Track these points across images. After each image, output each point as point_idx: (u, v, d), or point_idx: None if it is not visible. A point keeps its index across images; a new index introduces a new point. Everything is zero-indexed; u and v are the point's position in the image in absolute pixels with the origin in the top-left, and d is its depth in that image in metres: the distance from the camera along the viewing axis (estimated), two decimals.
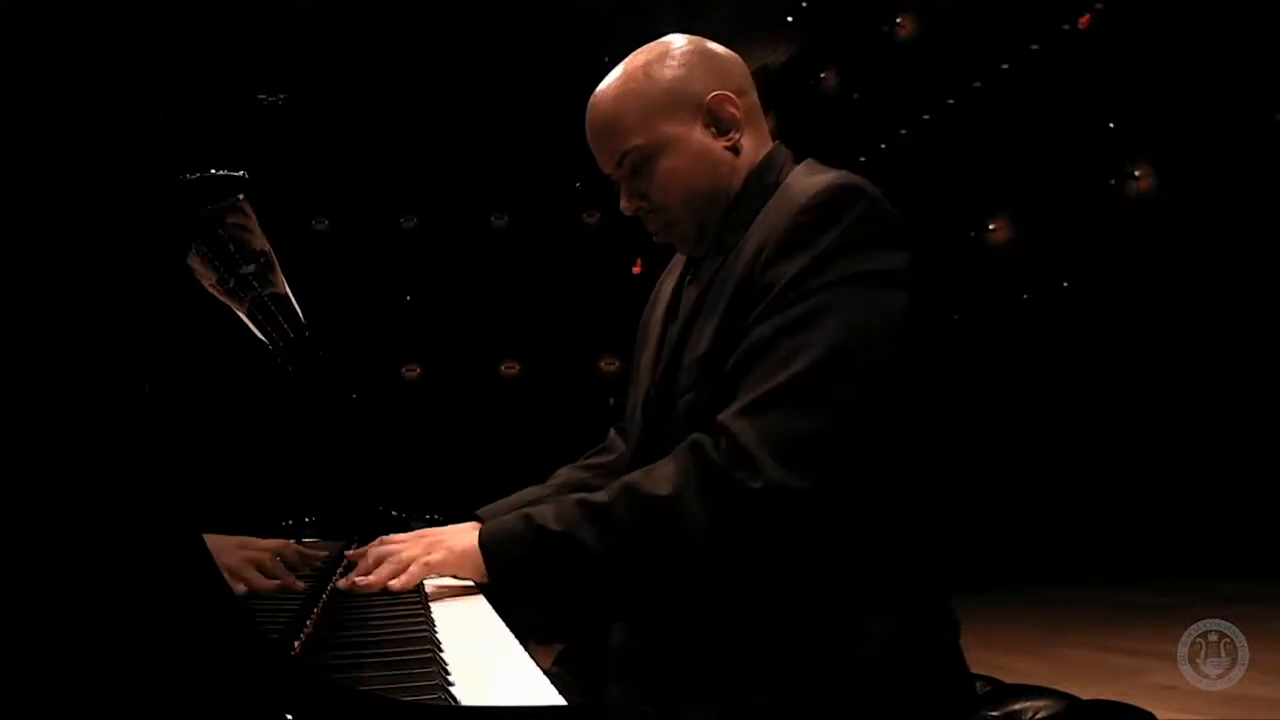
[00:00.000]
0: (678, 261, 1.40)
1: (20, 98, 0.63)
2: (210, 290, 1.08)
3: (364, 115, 7.30)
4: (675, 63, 1.23)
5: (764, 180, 1.23)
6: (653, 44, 1.27)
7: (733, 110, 1.23)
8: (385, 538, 1.27)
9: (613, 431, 1.58)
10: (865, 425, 1.06)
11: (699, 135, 1.23)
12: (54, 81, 0.65)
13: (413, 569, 1.14)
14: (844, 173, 1.16)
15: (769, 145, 1.28)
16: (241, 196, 1.04)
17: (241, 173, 0.96)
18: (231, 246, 1.09)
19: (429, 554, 1.15)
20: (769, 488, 1.02)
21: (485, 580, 1.14)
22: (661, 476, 1.09)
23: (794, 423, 1.04)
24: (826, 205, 1.11)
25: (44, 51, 0.66)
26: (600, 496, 1.12)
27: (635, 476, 1.12)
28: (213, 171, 0.92)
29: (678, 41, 1.26)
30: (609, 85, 1.25)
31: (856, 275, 1.08)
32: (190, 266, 0.96)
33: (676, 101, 1.22)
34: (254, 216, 1.13)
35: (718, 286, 1.19)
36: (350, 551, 1.44)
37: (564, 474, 1.54)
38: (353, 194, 7.66)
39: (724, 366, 1.12)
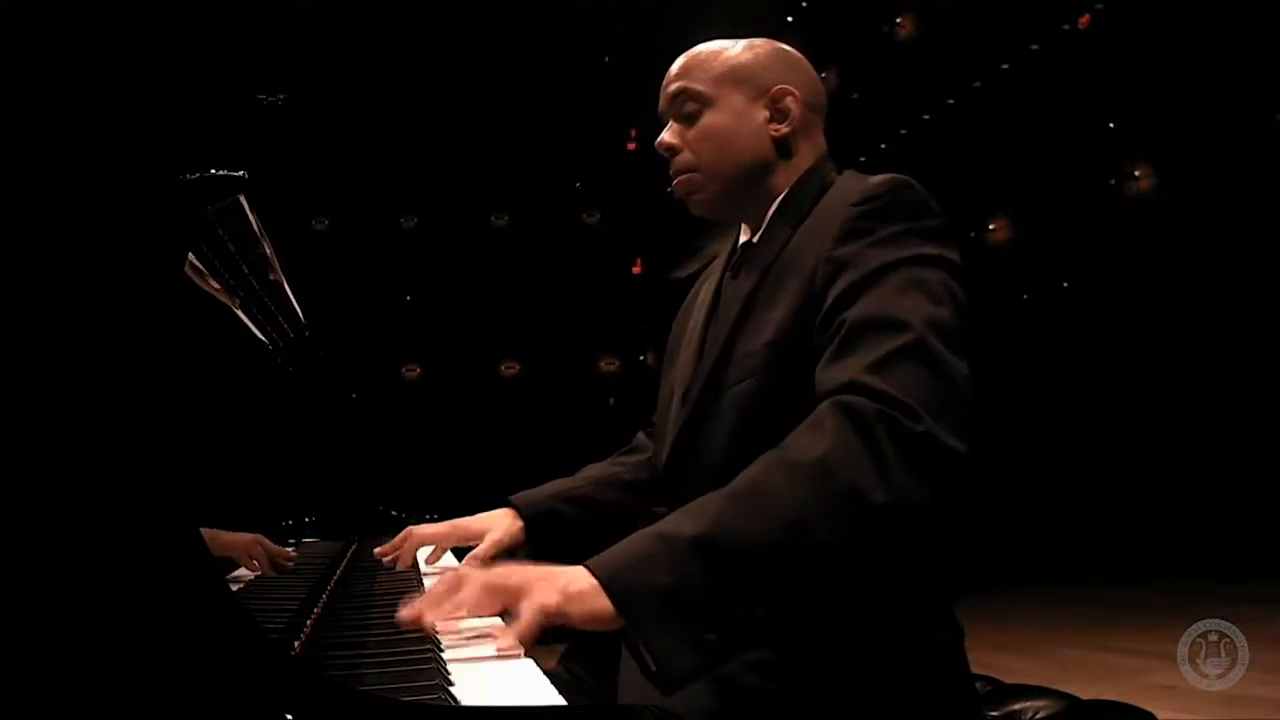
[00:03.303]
0: (713, 269, 1.43)
1: (20, 98, 0.63)
2: (210, 290, 1.08)
3: (364, 115, 7.30)
4: (766, 51, 1.33)
5: (811, 184, 1.27)
6: (758, 38, 1.36)
7: (791, 105, 1.29)
8: (406, 537, 1.21)
9: (641, 434, 1.58)
10: (972, 400, 1.04)
11: (754, 113, 1.29)
12: (54, 81, 0.65)
13: (530, 618, 0.87)
14: (895, 174, 1.20)
15: (820, 158, 1.32)
16: (241, 196, 1.04)
17: (241, 173, 0.96)
18: (231, 246, 1.09)
19: (539, 594, 0.89)
20: (931, 435, 0.96)
21: (607, 626, 0.89)
22: (809, 442, 0.97)
23: (930, 382, 1.00)
24: (887, 196, 1.15)
25: (44, 51, 0.66)
26: (743, 480, 0.97)
27: (773, 454, 0.98)
28: (213, 171, 0.92)
29: (775, 43, 1.35)
30: (705, 44, 1.35)
31: (929, 258, 1.10)
32: (190, 266, 0.96)
33: (750, 78, 1.30)
34: (254, 216, 1.13)
35: (773, 279, 1.21)
36: (378, 549, 1.42)
37: (594, 468, 1.52)
38: (353, 194, 7.66)
39: (795, 353, 1.12)
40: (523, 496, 1.41)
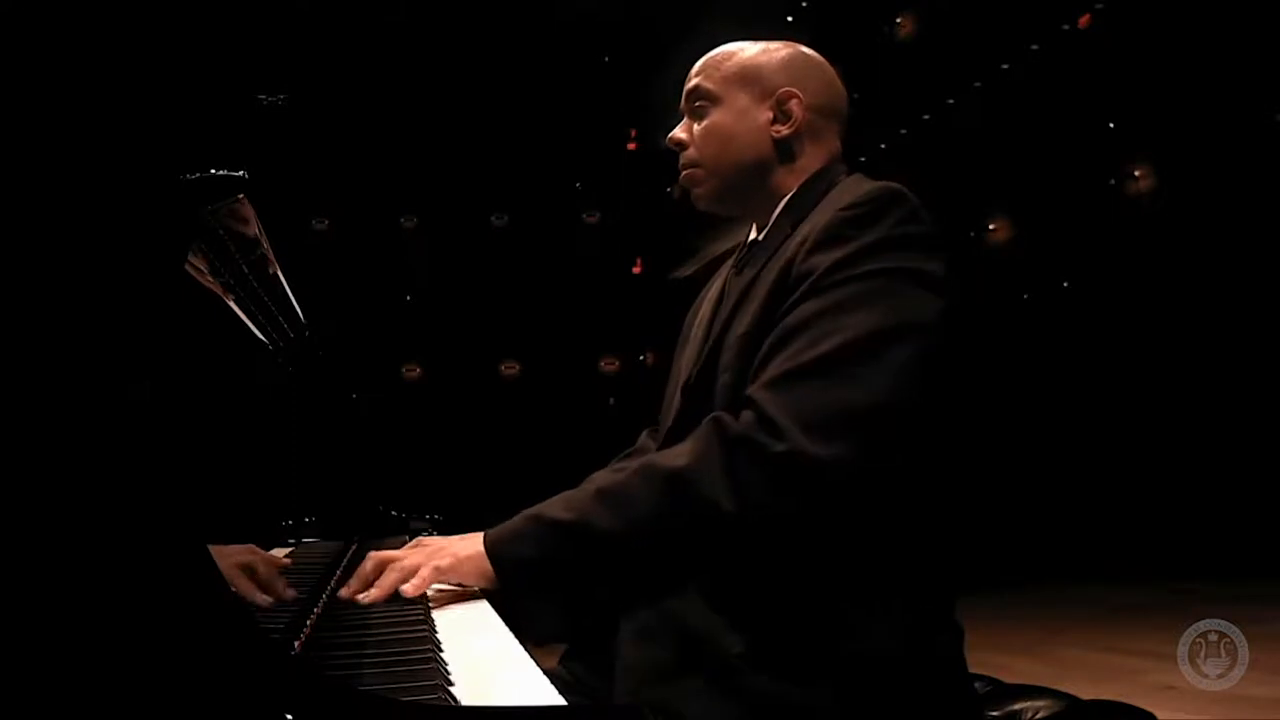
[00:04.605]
0: (726, 266, 1.45)
1: (20, 97, 0.63)
2: (210, 290, 1.08)
3: (364, 115, 7.30)
4: (779, 55, 1.35)
5: (817, 186, 1.29)
6: (781, 41, 1.39)
7: (795, 108, 1.31)
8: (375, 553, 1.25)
9: (644, 434, 1.59)
10: (892, 411, 1.07)
11: (759, 114, 1.32)
12: (54, 81, 0.65)
13: (424, 573, 1.10)
14: (890, 182, 1.21)
15: (831, 161, 1.34)
16: (241, 196, 1.04)
17: (241, 173, 0.96)
18: (231, 246, 1.09)
19: (436, 559, 1.12)
20: (792, 452, 1.03)
21: (493, 586, 1.12)
22: (679, 451, 1.09)
23: (821, 397, 1.05)
24: (872, 203, 1.16)
25: (44, 51, 0.66)
26: (614, 480, 1.12)
27: (651, 456, 1.13)
28: (213, 171, 0.92)
29: (795, 47, 1.38)
30: (725, 45, 1.38)
31: (893, 270, 1.12)
32: (190, 266, 0.96)
33: (758, 79, 1.32)
34: (254, 216, 1.13)
35: (764, 274, 1.23)
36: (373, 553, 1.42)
37: (599, 476, 1.53)
38: (353, 194, 7.66)
39: (759, 346, 1.15)
40: None
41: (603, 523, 1.08)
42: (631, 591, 1.14)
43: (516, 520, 1.14)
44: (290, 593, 0.86)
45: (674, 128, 1.38)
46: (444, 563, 1.12)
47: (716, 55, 1.37)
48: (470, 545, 1.13)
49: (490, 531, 1.14)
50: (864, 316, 1.09)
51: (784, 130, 1.31)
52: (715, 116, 1.33)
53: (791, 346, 1.10)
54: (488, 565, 1.11)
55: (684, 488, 1.06)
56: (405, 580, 1.11)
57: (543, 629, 1.09)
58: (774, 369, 1.09)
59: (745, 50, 1.35)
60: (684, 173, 1.37)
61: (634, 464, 1.13)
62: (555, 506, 1.12)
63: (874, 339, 1.08)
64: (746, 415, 1.08)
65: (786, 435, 1.04)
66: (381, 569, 1.12)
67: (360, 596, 1.09)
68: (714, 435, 1.08)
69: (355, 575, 1.13)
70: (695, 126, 1.35)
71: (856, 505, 1.07)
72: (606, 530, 1.08)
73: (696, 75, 1.36)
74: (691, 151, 1.35)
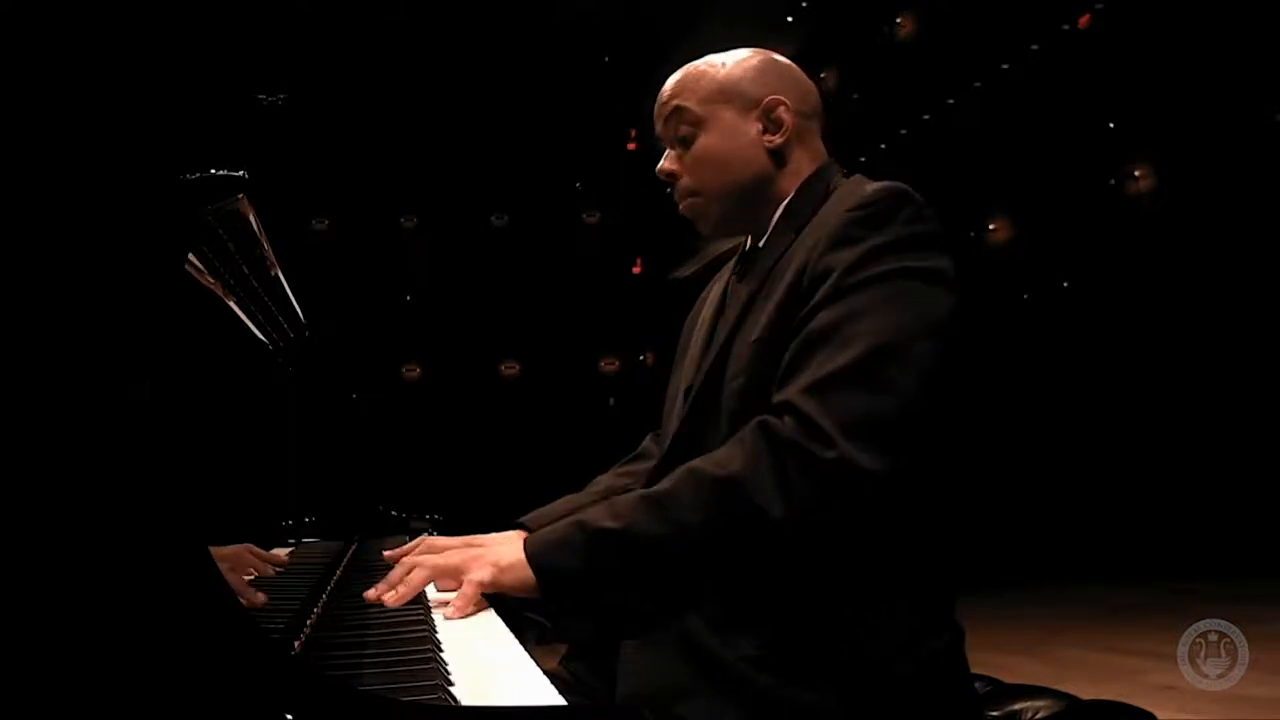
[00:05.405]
0: (725, 272, 1.44)
1: (21, 97, 0.63)
2: (210, 290, 1.08)
3: (364, 115, 7.30)
4: (753, 64, 1.32)
5: (815, 188, 1.28)
6: (745, 49, 1.36)
7: (784, 115, 1.29)
8: (421, 548, 1.22)
9: (648, 439, 1.58)
10: (920, 415, 1.07)
11: (748, 128, 1.29)
12: (54, 81, 0.65)
13: (466, 590, 1.07)
14: (893, 181, 1.21)
15: (823, 162, 1.33)
16: (241, 196, 1.04)
17: (241, 173, 0.96)
18: (231, 246, 1.09)
19: (475, 571, 1.09)
20: (842, 461, 1.02)
21: (533, 595, 1.09)
22: (727, 457, 1.08)
23: (860, 403, 1.05)
24: (880, 204, 1.16)
25: (44, 51, 0.66)
26: (660, 486, 1.10)
27: (696, 462, 1.10)
28: (213, 171, 0.92)
29: (763, 53, 1.35)
30: (692, 63, 1.35)
31: (909, 270, 1.12)
32: (190, 266, 0.96)
33: (740, 92, 1.30)
34: (254, 216, 1.13)
35: (773, 279, 1.22)
36: (388, 552, 1.41)
37: (604, 481, 1.52)
38: (353, 194, 7.66)
39: (775, 351, 1.14)
40: (534, 518, 1.40)
41: (650, 529, 1.06)
42: (671, 599, 1.12)
43: (562, 526, 1.11)
44: (260, 597, 0.83)
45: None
46: (485, 576, 1.08)
47: (688, 75, 1.32)
48: (510, 552, 1.10)
49: (531, 538, 1.11)
50: (887, 319, 1.08)
51: (776, 139, 1.29)
52: (705, 140, 1.30)
53: (822, 352, 1.09)
54: (530, 574, 1.08)
55: (734, 494, 1.05)
56: (431, 581, 1.09)
57: (580, 635, 1.08)
58: (808, 375, 1.08)
59: (719, 65, 1.32)
60: (684, 204, 1.33)
61: (678, 470, 1.11)
62: (601, 513, 1.09)
63: (900, 342, 1.08)
64: (789, 421, 1.06)
65: (835, 443, 1.03)
66: (409, 572, 1.10)
67: (385, 597, 1.06)
68: (763, 441, 1.06)
69: (385, 579, 1.10)
70: (683, 155, 1.31)
71: (880, 511, 1.07)
72: (653, 536, 1.06)
73: (673, 99, 1.31)
74: (687, 180, 1.31)
